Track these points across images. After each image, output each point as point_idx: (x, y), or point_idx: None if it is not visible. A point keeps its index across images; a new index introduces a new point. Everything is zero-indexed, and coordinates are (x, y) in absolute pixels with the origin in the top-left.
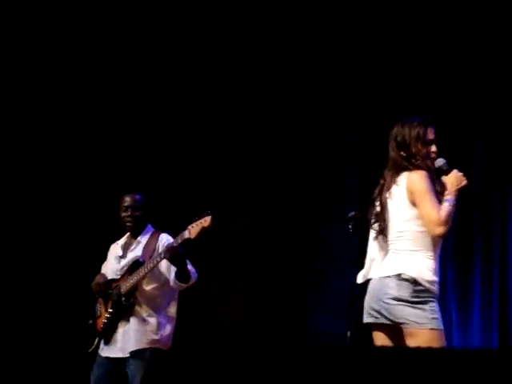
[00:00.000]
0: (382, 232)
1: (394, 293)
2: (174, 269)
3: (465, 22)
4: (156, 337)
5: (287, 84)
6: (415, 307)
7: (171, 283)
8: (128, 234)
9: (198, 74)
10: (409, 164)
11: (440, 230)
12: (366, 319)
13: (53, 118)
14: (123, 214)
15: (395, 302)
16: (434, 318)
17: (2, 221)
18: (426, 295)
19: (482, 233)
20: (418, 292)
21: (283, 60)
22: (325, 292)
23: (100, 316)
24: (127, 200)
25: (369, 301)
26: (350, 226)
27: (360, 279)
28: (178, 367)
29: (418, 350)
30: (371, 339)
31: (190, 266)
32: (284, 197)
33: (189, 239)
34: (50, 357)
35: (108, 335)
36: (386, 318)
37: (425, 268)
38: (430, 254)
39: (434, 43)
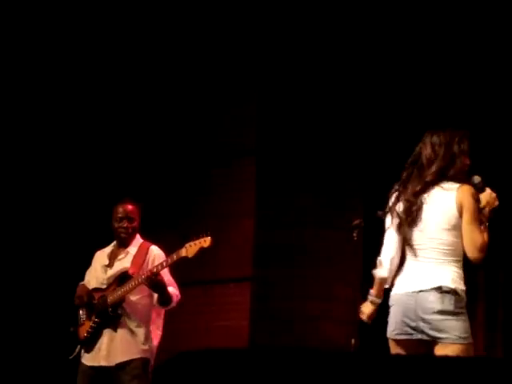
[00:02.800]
0: (409, 236)
1: (437, 306)
2: None
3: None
4: (145, 347)
5: (293, 92)
6: (458, 319)
7: (154, 302)
8: (115, 242)
9: (202, 86)
10: (455, 175)
11: (481, 256)
12: (397, 336)
13: (49, 124)
14: (117, 225)
15: (440, 317)
16: (469, 331)
17: None
18: (463, 305)
19: None
20: (458, 302)
21: (289, 71)
22: (329, 299)
23: (83, 324)
24: (121, 211)
25: (401, 316)
26: (354, 235)
27: (387, 284)
28: (182, 375)
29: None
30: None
31: (172, 289)
32: (289, 203)
33: (186, 257)
34: (30, 363)
35: (91, 344)
36: (425, 333)
37: (460, 278)
38: (461, 263)
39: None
